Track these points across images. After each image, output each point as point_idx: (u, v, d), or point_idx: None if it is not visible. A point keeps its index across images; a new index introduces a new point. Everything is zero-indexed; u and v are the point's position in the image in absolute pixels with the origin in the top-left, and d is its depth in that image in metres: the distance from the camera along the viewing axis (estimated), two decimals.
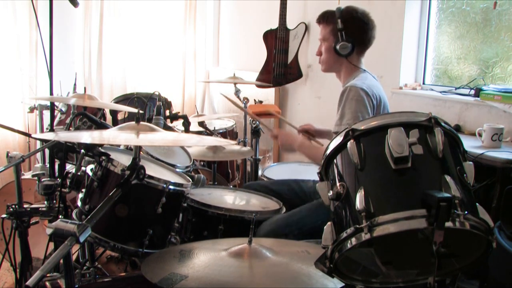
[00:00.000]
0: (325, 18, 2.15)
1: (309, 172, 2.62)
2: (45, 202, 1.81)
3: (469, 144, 2.34)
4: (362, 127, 1.13)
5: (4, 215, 1.76)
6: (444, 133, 1.09)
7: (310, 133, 2.41)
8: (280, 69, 3.88)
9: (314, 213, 1.99)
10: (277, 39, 3.87)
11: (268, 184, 2.43)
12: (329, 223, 1.15)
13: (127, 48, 4.65)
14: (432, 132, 1.09)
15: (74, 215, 1.72)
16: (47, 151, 2.12)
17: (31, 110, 3.31)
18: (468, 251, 1.13)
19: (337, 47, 2.07)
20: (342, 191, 1.11)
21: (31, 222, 1.79)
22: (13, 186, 1.80)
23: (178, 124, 2.68)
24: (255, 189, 2.32)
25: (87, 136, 1.48)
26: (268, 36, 3.92)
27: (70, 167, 2.15)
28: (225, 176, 3.35)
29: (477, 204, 1.08)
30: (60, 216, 1.77)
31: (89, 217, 1.23)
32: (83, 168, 1.76)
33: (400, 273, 1.18)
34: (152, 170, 1.84)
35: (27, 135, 2.82)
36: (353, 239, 1.04)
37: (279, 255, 1.37)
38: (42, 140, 2.04)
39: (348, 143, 1.12)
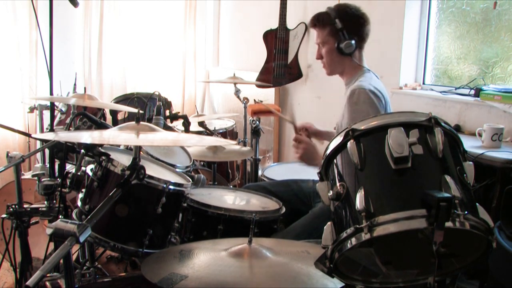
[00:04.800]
0: (320, 20, 2.11)
1: (309, 172, 2.60)
2: (45, 202, 1.81)
3: (469, 144, 2.34)
4: (362, 127, 1.13)
5: (4, 215, 1.76)
6: (444, 133, 1.09)
7: (309, 132, 2.40)
8: (280, 69, 3.88)
9: (308, 228, 1.97)
10: (277, 39, 3.87)
11: (266, 185, 2.42)
12: (329, 223, 1.15)
13: (127, 48, 4.65)
14: (432, 132, 1.09)
15: (74, 215, 1.72)
16: (47, 151, 2.12)
17: (31, 110, 3.30)
18: (468, 251, 1.13)
19: (342, 46, 2.04)
20: (342, 191, 1.11)
21: (31, 222, 1.79)
22: (13, 186, 1.80)
23: (178, 124, 2.67)
24: (253, 190, 2.31)
25: (87, 136, 1.48)
26: (268, 36, 3.92)
27: (70, 167, 2.16)
28: (225, 176, 3.35)
29: (477, 204, 1.07)
30: (60, 216, 1.77)
31: (89, 217, 1.23)
32: (83, 168, 1.75)
33: (400, 273, 1.18)
34: (152, 170, 1.83)
35: (27, 135, 2.82)
36: (353, 239, 1.04)
37: (279, 255, 1.37)
38: (42, 140, 2.04)
39: (348, 143, 1.12)
